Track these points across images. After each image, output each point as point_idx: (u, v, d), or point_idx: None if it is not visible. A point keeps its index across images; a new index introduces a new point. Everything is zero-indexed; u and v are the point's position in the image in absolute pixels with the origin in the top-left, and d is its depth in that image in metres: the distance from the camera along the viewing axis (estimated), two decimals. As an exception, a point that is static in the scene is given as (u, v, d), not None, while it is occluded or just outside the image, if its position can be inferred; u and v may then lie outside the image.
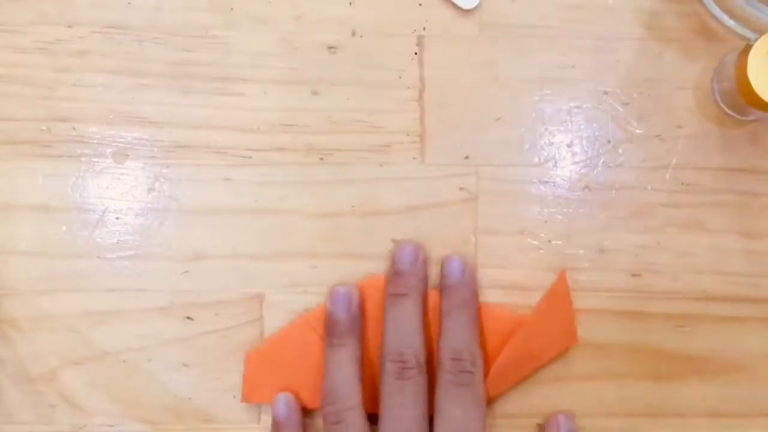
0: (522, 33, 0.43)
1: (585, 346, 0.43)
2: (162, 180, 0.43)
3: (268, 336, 0.43)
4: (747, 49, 0.39)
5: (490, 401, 0.42)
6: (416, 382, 0.39)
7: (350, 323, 0.41)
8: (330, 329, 0.41)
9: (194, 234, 0.43)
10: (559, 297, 0.42)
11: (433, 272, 0.43)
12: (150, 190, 0.43)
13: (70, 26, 0.43)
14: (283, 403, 0.41)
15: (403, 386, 0.39)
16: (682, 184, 0.43)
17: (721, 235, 0.43)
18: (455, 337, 0.40)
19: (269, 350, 0.42)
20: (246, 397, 0.42)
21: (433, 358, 0.41)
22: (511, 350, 0.41)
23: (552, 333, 0.42)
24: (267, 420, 0.42)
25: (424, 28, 0.43)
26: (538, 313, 0.42)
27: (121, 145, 0.43)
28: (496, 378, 0.41)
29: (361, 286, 0.42)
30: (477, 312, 0.41)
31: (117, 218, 0.43)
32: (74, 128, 0.43)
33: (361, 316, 0.42)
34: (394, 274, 0.42)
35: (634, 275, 0.43)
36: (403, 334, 0.40)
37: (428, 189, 0.43)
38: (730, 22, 0.43)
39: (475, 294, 0.42)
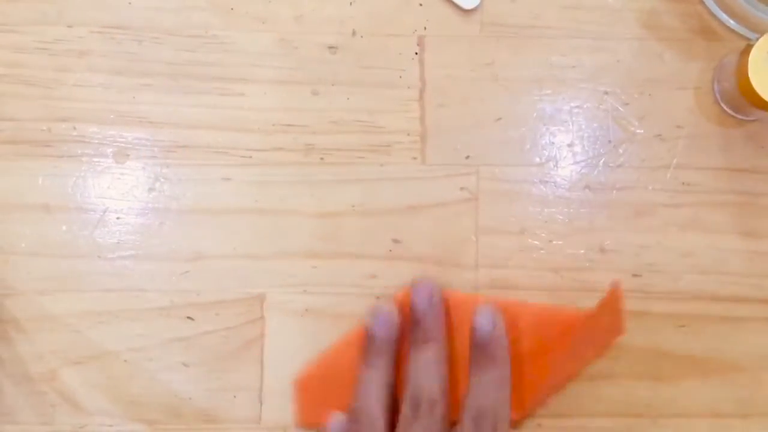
0: (522, 33, 0.43)
1: (585, 346, 0.43)
2: (162, 180, 0.43)
3: (314, 357, 0.42)
4: (747, 49, 0.39)
5: (540, 407, 0.42)
6: (429, 428, 0.39)
7: (386, 345, 0.40)
8: (366, 348, 0.40)
9: (194, 234, 0.43)
10: (611, 304, 0.40)
11: (433, 272, 0.43)
12: (150, 189, 0.43)
13: (70, 26, 0.43)
14: (338, 424, 0.41)
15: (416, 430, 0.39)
16: (683, 184, 0.43)
17: (722, 235, 0.43)
18: (481, 397, 0.39)
19: (317, 373, 0.42)
20: (299, 423, 0.42)
21: (456, 397, 0.40)
22: (562, 355, 0.40)
23: (599, 335, 0.41)
24: (267, 420, 0.42)
25: (425, 28, 0.43)
26: (589, 318, 0.40)
27: (122, 145, 0.43)
28: (546, 386, 0.41)
29: (398, 299, 0.41)
30: (507, 370, 0.40)
31: (117, 218, 0.43)
32: (74, 128, 0.43)
33: (398, 337, 0.41)
34: (414, 322, 0.41)
35: (634, 275, 0.43)
36: (424, 380, 0.40)
37: (428, 189, 0.43)
38: (731, 22, 0.43)
39: (505, 349, 0.40)
